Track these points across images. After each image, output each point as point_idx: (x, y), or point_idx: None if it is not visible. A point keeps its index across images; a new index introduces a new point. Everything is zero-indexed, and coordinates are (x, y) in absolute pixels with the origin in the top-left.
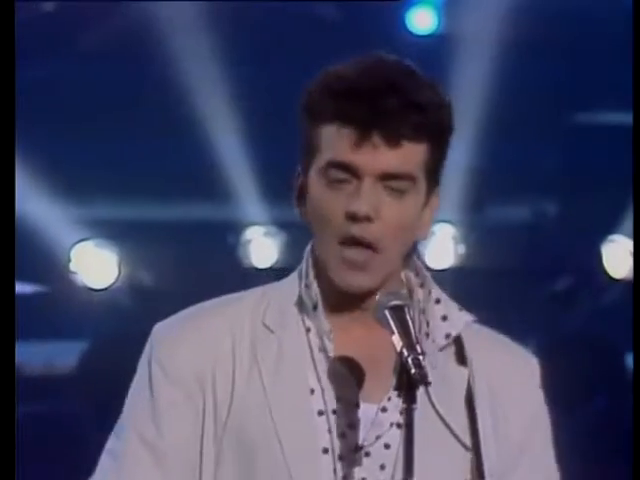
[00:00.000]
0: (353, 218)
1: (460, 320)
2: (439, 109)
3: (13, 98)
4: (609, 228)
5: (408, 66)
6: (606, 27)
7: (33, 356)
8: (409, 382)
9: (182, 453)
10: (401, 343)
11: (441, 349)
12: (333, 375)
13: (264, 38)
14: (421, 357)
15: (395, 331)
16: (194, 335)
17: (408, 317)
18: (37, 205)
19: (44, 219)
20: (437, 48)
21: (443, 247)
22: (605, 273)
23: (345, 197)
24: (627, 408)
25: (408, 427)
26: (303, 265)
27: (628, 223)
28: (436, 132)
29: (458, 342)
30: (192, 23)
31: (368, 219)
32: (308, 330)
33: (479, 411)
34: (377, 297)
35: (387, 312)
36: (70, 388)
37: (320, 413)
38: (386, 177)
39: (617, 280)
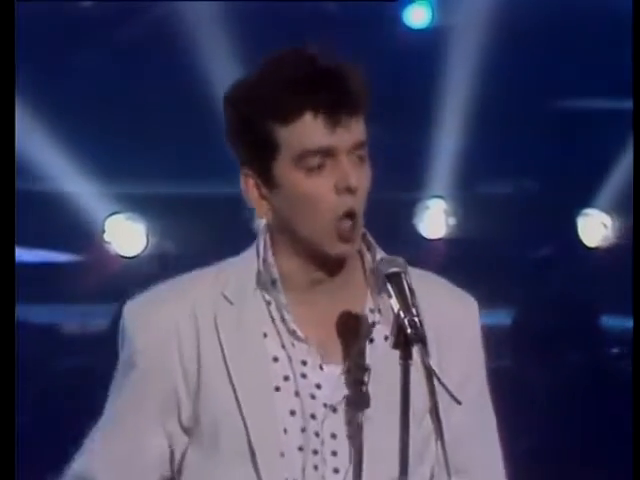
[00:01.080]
0: (349, 191)
1: None
2: (367, 82)
3: (13, 93)
4: (584, 202)
5: (326, 48)
6: (598, 19)
7: (71, 316)
8: (405, 340)
9: (156, 424)
10: (398, 306)
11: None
12: (296, 343)
13: (272, 35)
14: (416, 319)
15: (393, 295)
16: (157, 317)
17: (405, 283)
18: (76, 183)
19: (82, 196)
20: (432, 40)
21: (436, 219)
22: (580, 242)
23: (326, 178)
24: (599, 361)
25: (404, 380)
26: (260, 243)
27: (601, 198)
28: (369, 101)
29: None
30: (207, 22)
31: (356, 190)
32: (269, 303)
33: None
34: (376, 264)
35: (386, 278)
36: (102, 345)
37: (286, 378)
38: (355, 147)
39: (591, 248)
